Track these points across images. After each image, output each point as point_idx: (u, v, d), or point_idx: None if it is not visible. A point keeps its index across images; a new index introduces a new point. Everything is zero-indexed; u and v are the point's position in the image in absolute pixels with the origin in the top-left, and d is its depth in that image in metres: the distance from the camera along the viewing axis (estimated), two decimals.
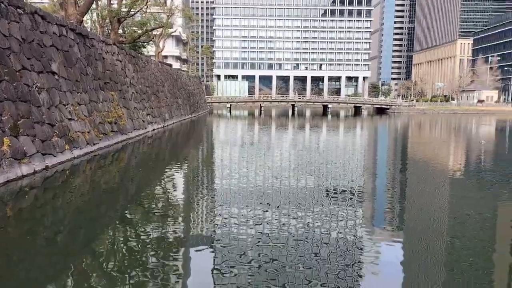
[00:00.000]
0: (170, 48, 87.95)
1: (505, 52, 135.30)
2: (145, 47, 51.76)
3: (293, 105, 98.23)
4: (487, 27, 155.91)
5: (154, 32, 52.61)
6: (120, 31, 43.19)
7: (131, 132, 28.35)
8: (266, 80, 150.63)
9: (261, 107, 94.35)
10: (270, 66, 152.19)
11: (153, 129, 34.70)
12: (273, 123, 57.67)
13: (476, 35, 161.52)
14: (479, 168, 20.60)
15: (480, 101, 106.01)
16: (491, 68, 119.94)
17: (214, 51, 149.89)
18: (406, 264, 8.12)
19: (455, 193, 14.86)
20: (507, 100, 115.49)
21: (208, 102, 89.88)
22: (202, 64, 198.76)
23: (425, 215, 11.64)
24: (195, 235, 9.55)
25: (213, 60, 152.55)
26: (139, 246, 8.65)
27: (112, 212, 11.55)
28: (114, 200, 12.86)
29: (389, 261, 8.35)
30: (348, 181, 15.80)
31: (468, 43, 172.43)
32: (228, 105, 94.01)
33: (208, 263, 7.82)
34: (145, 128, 32.44)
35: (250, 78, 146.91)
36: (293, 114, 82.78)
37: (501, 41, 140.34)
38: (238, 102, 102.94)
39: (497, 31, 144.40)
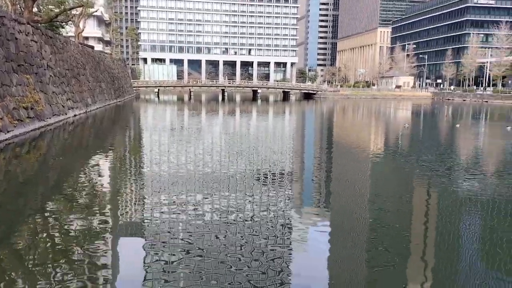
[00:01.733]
0: (91, 29, 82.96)
1: (420, 40, 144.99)
2: (64, 28, 48.20)
3: (223, 90, 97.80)
4: (404, 17, 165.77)
5: (73, 12, 49.24)
6: (35, 9, 39.80)
7: (50, 118, 26.49)
8: (195, 65, 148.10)
9: (190, 92, 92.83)
10: (199, 50, 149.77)
11: (75, 115, 32.73)
12: (204, 108, 57.09)
13: (394, 24, 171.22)
14: (402, 151, 22.03)
15: (397, 86, 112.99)
16: (407, 55, 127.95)
17: (140, 33, 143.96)
18: (333, 242, 8.48)
19: (380, 174, 15.76)
20: (422, 85, 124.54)
21: (134, 87, 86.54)
22: (127, 46, 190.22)
23: (350, 195, 12.24)
24: (122, 225, 9.20)
25: (139, 43, 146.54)
26: (62, 239, 8.15)
27: (31, 204, 10.74)
28: (33, 191, 11.96)
29: (316, 240, 8.67)
30: (278, 165, 16.10)
31: (387, 32, 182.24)
32: (156, 90, 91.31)
33: (137, 254, 7.57)
34: (66, 114, 30.50)
35: (178, 62, 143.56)
36: (223, 99, 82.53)
37: (417, 30, 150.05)
38: (166, 86, 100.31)
39: (412, 20, 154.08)
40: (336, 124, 38.56)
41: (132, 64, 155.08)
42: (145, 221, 9.26)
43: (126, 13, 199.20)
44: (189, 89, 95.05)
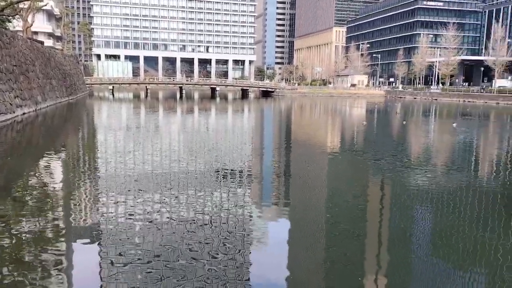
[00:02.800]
0: (40, 24, 79.16)
1: (373, 40, 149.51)
2: (11, 22, 45.74)
3: (180, 88, 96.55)
4: (358, 17, 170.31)
5: (21, 5, 46.83)
6: None
7: None
8: (151, 61, 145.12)
9: (147, 89, 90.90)
10: (156, 47, 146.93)
11: (23, 113, 31.19)
12: (161, 106, 56.09)
13: (349, 23, 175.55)
14: (360, 147, 22.61)
15: (352, 85, 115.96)
16: (362, 54, 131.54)
17: (93, 28, 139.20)
18: (292, 237, 8.57)
19: (340, 171, 16.09)
20: (375, 84, 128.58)
21: (87, 84, 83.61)
22: (79, 42, 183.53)
23: (308, 192, 12.42)
24: (73, 228, 8.85)
25: (92, 38, 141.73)
26: (12, 243, 7.72)
27: None
28: None
29: (276, 235, 8.73)
30: (236, 163, 16.08)
31: (343, 31, 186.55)
32: (111, 87, 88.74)
33: (91, 256, 7.32)
34: (13, 112, 28.99)
35: (134, 59, 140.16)
36: (181, 96, 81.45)
37: (370, 30, 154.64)
38: (121, 83, 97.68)
39: (366, 20, 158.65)
40: (295, 121, 39.04)
41: (85, 61, 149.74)
42: (99, 223, 8.96)
43: (78, 7, 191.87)
44: (146, 86, 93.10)
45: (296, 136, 27.77)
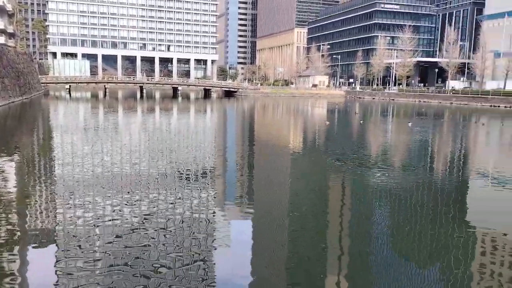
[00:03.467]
0: None
1: (333, 41, 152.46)
2: None
3: (141, 87, 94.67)
4: (318, 18, 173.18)
5: None
6: None
7: None
8: (110, 60, 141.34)
9: (105, 88, 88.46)
10: (114, 45, 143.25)
11: None
12: (120, 105, 54.79)
13: (310, 25, 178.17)
14: (322, 147, 22.97)
15: (314, 85, 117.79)
16: (322, 55, 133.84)
17: (48, 25, 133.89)
18: (254, 236, 8.61)
19: (303, 170, 16.29)
20: (336, 84, 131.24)
21: (42, 83, 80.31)
22: (34, 39, 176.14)
23: (272, 191, 12.52)
24: (28, 232, 8.51)
25: (47, 36, 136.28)
26: None
27: None
28: None
29: (240, 234, 8.75)
30: (198, 164, 15.97)
31: (304, 32, 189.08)
32: (67, 86, 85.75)
33: (46, 262, 7.06)
34: None
35: (92, 57, 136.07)
36: (141, 96, 79.89)
37: (330, 32, 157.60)
38: (79, 83, 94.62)
39: (326, 22, 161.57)
40: (258, 122, 39.20)
41: (40, 59, 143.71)
42: (55, 227, 8.65)
43: (32, 3, 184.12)
44: (104, 85, 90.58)
45: (260, 136, 27.89)
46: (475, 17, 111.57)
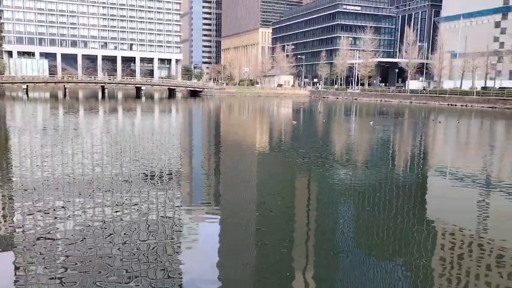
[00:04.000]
0: None
1: (298, 41, 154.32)
2: None
3: (103, 87, 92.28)
4: (282, 18, 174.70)
5: None
6: None
7: None
8: (70, 59, 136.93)
9: (65, 88, 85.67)
10: (74, 44, 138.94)
11: None
12: (81, 106, 53.20)
13: (274, 25, 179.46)
14: (287, 146, 23.13)
15: (279, 85, 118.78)
16: (287, 55, 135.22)
17: (3, 23, 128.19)
18: (223, 237, 8.57)
19: (268, 169, 16.34)
20: (300, 84, 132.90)
21: None
22: None
23: (239, 191, 12.50)
24: None
25: (2, 34, 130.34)
26: None
27: None
28: None
29: (206, 236, 8.68)
30: (165, 165, 15.73)
31: (268, 32, 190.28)
32: (25, 86, 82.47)
33: (4, 267, 6.75)
34: None
35: (50, 56, 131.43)
36: (103, 96, 77.91)
37: (295, 32, 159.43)
38: (37, 83, 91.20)
39: (290, 22, 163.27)
40: (225, 122, 39.06)
41: None
42: (9, 232, 8.29)
43: None
44: (64, 85, 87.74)
45: (226, 137, 27.80)
46: (433, 19, 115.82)
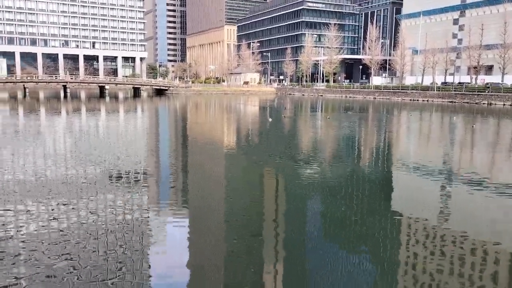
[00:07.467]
0: None
1: (263, 39, 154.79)
2: None
3: (64, 87, 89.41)
4: (248, 16, 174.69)
5: None
6: None
7: None
8: (29, 58, 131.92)
9: (25, 88, 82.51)
10: (34, 42, 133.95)
11: None
12: (42, 107, 51.45)
13: (240, 22, 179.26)
14: (254, 144, 23.20)
15: (245, 82, 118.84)
16: (253, 53, 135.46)
17: None
18: (191, 237, 8.56)
19: (236, 167, 16.37)
20: (267, 81, 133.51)
21: None
22: None
23: (207, 190, 12.49)
24: None
25: None
26: None
27: None
28: None
29: (174, 236, 8.64)
30: (131, 166, 15.49)
31: (233, 30, 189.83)
32: None
33: None
34: None
35: (8, 55, 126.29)
36: (65, 96, 75.62)
37: (260, 29, 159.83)
38: None
39: (256, 20, 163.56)
40: (192, 120, 38.75)
41: None
42: None
43: None
44: (24, 85, 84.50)
45: (194, 136, 27.61)
46: (394, 16, 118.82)
